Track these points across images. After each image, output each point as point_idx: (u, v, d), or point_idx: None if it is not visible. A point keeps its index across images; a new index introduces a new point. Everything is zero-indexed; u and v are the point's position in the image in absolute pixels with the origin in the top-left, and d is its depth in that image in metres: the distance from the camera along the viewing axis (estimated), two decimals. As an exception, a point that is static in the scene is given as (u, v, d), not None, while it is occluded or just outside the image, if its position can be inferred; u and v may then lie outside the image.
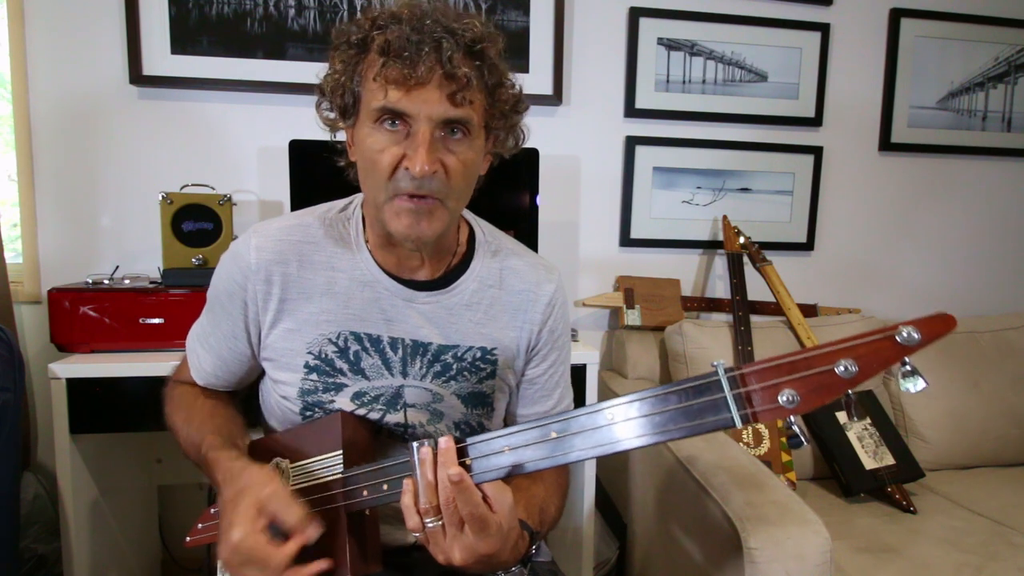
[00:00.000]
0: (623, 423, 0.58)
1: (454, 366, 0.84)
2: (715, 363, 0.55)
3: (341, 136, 0.83)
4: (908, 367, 0.52)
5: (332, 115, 0.79)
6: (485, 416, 0.88)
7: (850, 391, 0.53)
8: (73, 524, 1.36)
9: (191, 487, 1.80)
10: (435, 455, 0.64)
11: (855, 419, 1.59)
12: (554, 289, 0.89)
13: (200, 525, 0.89)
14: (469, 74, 0.70)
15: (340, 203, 0.87)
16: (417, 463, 0.64)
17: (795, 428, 0.57)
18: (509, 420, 0.95)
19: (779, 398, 0.52)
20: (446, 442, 0.64)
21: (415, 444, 0.65)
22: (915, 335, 0.49)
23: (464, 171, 0.74)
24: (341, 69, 0.75)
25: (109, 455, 1.52)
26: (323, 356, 0.81)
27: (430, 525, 0.64)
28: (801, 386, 0.52)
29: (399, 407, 0.84)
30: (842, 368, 0.50)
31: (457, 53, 0.69)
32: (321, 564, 0.68)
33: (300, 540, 0.67)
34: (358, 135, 0.76)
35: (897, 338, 0.49)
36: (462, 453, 0.65)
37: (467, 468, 0.64)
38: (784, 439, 1.57)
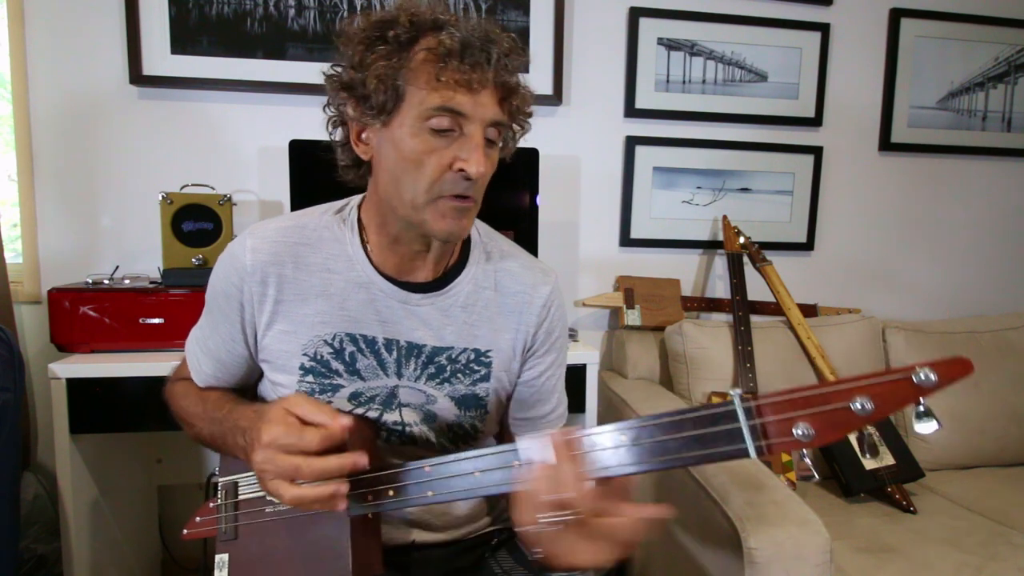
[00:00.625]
0: (633, 446, 0.57)
1: (448, 367, 0.84)
2: (732, 392, 0.55)
3: (337, 136, 0.82)
4: (923, 408, 0.52)
5: (353, 112, 0.76)
6: (478, 419, 0.88)
7: (865, 429, 0.53)
8: (73, 524, 1.36)
9: (191, 487, 1.81)
10: (553, 446, 0.59)
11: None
12: (550, 291, 0.89)
13: (198, 518, 0.89)
14: (518, 81, 0.74)
15: (337, 204, 0.87)
16: (534, 456, 0.60)
17: (807, 461, 0.57)
18: (505, 424, 0.95)
19: (794, 431, 0.52)
20: (563, 435, 0.59)
21: (525, 438, 0.61)
22: (932, 377, 0.49)
23: (490, 173, 0.76)
24: (384, 67, 0.72)
25: (109, 455, 1.52)
26: (319, 358, 0.82)
27: (552, 520, 0.58)
28: (816, 421, 0.52)
29: (394, 407, 0.84)
30: (858, 405, 0.50)
31: (503, 61, 0.73)
32: (360, 458, 0.67)
33: (335, 422, 0.67)
34: (393, 135, 0.74)
35: (914, 379, 0.50)
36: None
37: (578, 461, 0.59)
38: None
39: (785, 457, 1.59)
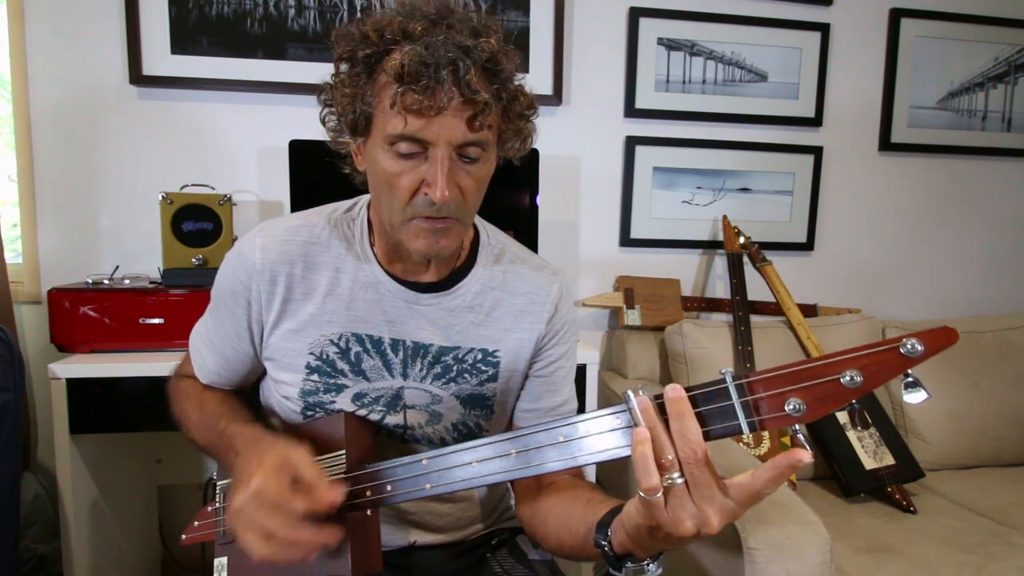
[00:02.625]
0: (630, 427, 0.57)
1: (454, 368, 0.84)
2: (723, 371, 0.55)
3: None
4: (911, 379, 0.52)
5: (338, 130, 0.77)
6: (483, 417, 0.88)
7: (855, 401, 0.53)
8: (73, 524, 1.36)
9: (191, 487, 1.81)
10: (654, 405, 0.56)
11: (858, 428, 1.59)
12: (559, 288, 0.89)
13: (197, 523, 0.89)
14: (488, 99, 0.68)
15: (346, 203, 0.87)
16: (639, 412, 0.56)
17: (800, 436, 0.56)
18: (514, 417, 0.95)
19: (786, 407, 0.52)
20: (674, 391, 0.55)
21: (630, 392, 0.58)
22: (919, 347, 0.49)
23: (478, 188, 0.75)
24: (350, 91, 0.71)
25: (109, 455, 1.52)
26: (324, 357, 0.82)
27: (677, 480, 0.54)
28: (807, 395, 0.52)
29: (399, 408, 0.84)
30: (847, 378, 0.51)
31: (474, 75, 0.67)
32: (336, 532, 0.65)
33: (325, 497, 0.64)
34: (370, 153, 0.74)
35: (901, 350, 0.50)
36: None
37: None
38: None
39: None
